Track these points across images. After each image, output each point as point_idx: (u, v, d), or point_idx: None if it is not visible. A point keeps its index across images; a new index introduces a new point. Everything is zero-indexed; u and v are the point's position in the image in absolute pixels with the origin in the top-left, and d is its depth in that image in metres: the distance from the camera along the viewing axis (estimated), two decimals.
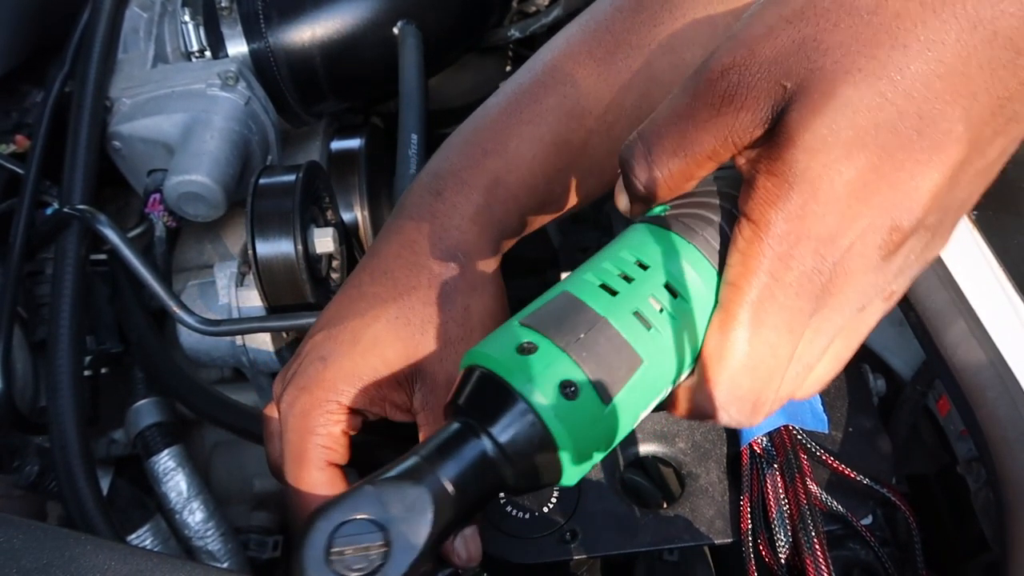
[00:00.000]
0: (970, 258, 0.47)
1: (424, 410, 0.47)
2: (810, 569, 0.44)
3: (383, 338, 0.48)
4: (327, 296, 0.69)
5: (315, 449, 0.47)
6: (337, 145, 0.89)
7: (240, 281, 0.71)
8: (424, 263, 0.50)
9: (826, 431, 0.52)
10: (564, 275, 0.88)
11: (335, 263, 0.72)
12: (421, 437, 0.48)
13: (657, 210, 0.38)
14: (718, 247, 0.36)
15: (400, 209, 0.53)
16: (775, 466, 0.49)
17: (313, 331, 0.51)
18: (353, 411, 0.48)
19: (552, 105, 0.54)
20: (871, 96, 0.30)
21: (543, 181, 0.54)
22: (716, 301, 0.35)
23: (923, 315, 0.46)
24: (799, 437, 0.50)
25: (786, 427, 0.50)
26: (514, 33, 0.96)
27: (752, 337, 0.34)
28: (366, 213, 0.85)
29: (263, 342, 0.71)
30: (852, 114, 0.30)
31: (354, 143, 0.89)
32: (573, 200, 0.57)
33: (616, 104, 0.54)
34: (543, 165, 0.54)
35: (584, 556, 0.49)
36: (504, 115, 0.55)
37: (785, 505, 0.47)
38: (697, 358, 0.36)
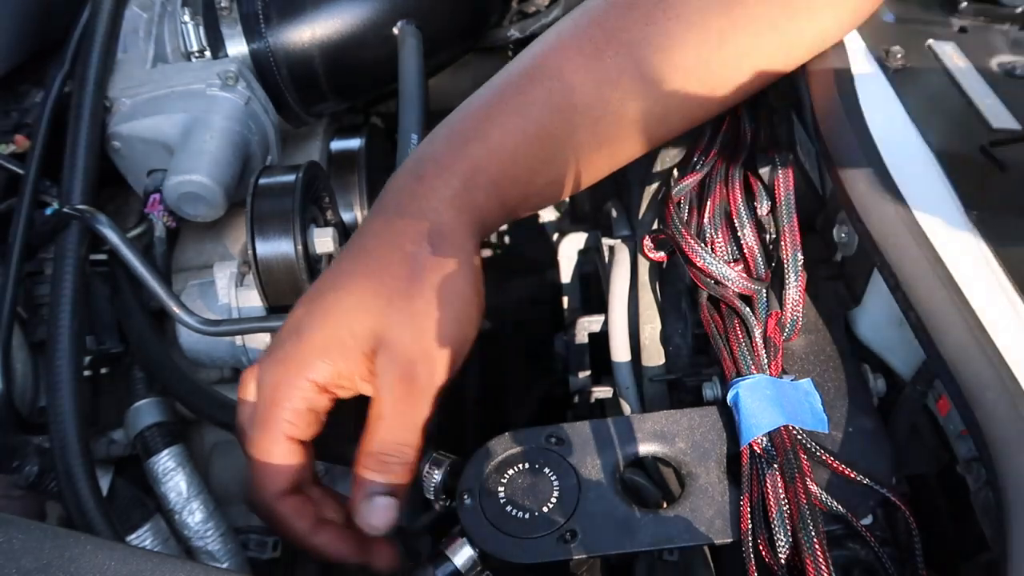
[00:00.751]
0: (970, 258, 0.47)
1: (381, 375, 0.49)
2: (810, 569, 0.44)
3: (351, 311, 0.50)
4: None
5: (278, 421, 0.49)
6: (337, 145, 0.89)
7: (240, 281, 0.71)
8: (399, 241, 0.51)
9: (826, 431, 0.52)
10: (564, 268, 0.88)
11: None
12: (371, 404, 0.49)
13: None
14: None
15: (385, 191, 0.55)
16: (775, 466, 0.49)
17: (297, 305, 0.53)
18: (324, 389, 0.49)
19: (537, 97, 0.54)
20: None
21: (525, 171, 0.55)
22: None
23: (923, 315, 0.46)
24: (799, 437, 0.50)
25: (786, 427, 0.50)
26: (514, 33, 0.97)
27: None
28: (366, 213, 0.85)
29: (263, 342, 0.71)
30: None
31: (354, 143, 0.89)
32: (558, 191, 0.57)
33: (603, 100, 0.55)
34: (526, 156, 0.54)
35: (584, 556, 0.48)
36: (488, 105, 0.56)
37: (785, 505, 0.47)
38: None
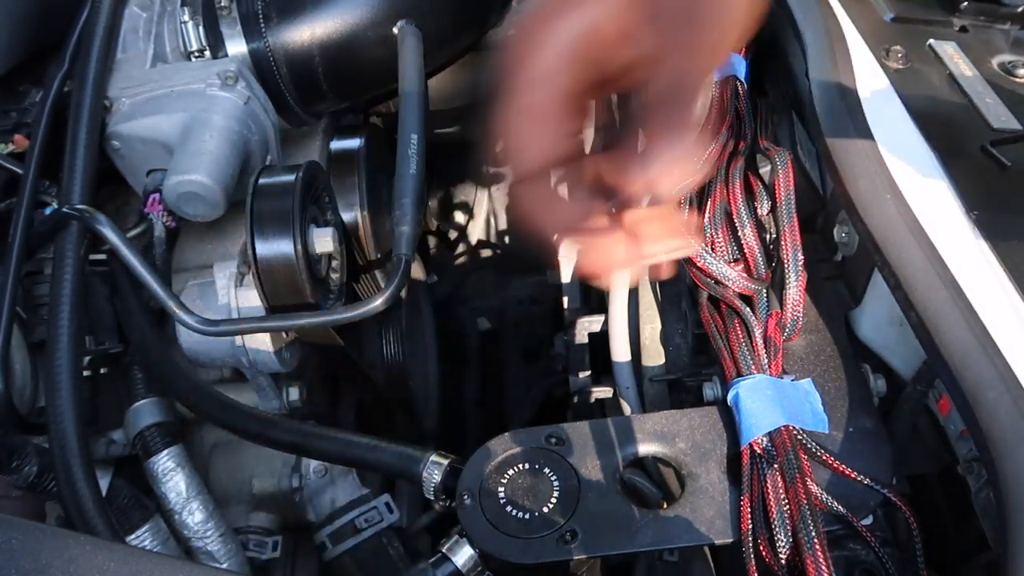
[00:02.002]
0: (971, 258, 0.47)
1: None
2: (810, 569, 0.44)
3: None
4: (327, 296, 0.69)
5: (541, 91, 0.38)
6: (337, 145, 0.89)
7: (240, 281, 0.71)
8: None
9: (826, 431, 0.52)
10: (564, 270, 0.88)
11: (335, 263, 0.71)
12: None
13: None
14: None
15: None
16: (775, 466, 0.49)
17: None
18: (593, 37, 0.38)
19: None
20: None
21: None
22: None
23: (923, 315, 0.46)
24: (799, 437, 0.50)
25: (786, 427, 0.50)
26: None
27: None
28: (366, 213, 0.84)
29: (263, 342, 0.70)
30: None
31: (354, 143, 0.88)
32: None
33: None
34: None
35: (584, 556, 0.48)
36: None
37: (785, 505, 0.47)
38: None
